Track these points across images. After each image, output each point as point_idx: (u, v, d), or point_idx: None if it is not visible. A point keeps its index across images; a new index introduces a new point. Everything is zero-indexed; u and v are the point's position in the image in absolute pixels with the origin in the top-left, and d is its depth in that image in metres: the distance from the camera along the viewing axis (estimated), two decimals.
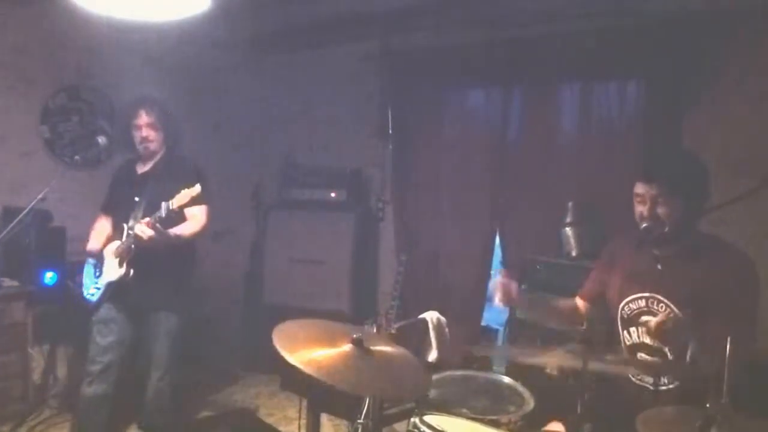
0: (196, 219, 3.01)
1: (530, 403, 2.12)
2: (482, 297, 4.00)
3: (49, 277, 3.58)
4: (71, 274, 3.81)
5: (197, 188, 2.76)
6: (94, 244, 3.19)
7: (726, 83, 3.03)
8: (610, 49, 3.28)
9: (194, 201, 2.80)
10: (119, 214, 3.15)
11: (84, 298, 3.16)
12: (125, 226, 3.05)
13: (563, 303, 2.43)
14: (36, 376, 3.81)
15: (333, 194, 4.39)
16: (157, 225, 2.81)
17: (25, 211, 3.04)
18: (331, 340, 1.77)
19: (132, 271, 2.98)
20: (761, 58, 2.94)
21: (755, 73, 2.96)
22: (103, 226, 3.25)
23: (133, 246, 2.93)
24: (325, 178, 4.44)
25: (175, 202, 2.78)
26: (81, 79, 4.17)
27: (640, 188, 2.07)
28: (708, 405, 1.45)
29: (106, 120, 4.25)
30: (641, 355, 2.12)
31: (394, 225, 4.35)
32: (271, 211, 4.57)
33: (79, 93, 4.16)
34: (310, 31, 4.24)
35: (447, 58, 3.93)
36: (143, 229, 2.81)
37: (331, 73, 4.63)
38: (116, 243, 3.06)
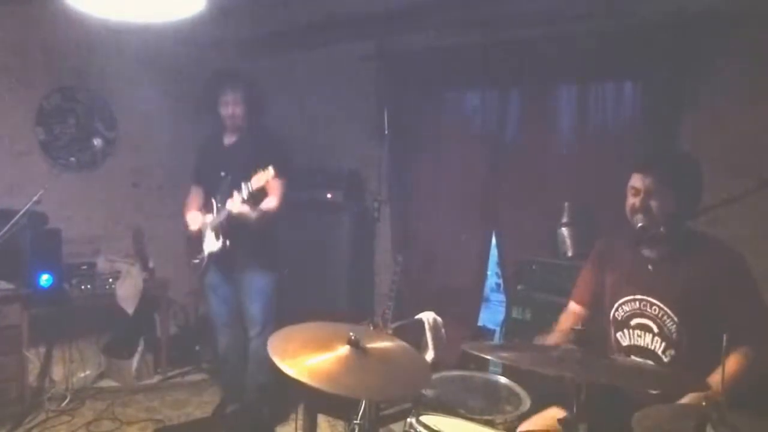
0: (275, 193, 3.23)
1: (527, 403, 2.12)
2: (479, 297, 4.00)
3: (45, 279, 3.58)
4: (67, 276, 3.82)
5: (270, 172, 2.95)
6: (193, 225, 3.40)
7: (723, 85, 3.03)
8: (608, 51, 3.28)
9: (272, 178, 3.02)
10: (207, 186, 3.42)
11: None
12: (213, 201, 3.30)
13: (559, 332, 2.29)
14: (32, 379, 3.80)
15: (329, 195, 4.38)
16: (246, 200, 3.08)
17: (20, 214, 3.03)
18: (326, 344, 1.75)
19: (228, 242, 3.24)
20: (758, 60, 2.94)
21: (752, 74, 2.96)
22: (193, 201, 3.50)
23: (225, 221, 3.19)
24: (322, 179, 4.43)
25: (253, 184, 3.02)
26: (77, 80, 4.16)
27: (635, 180, 2.07)
28: (704, 403, 1.45)
29: (102, 122, 4.24)
30: (634, 358, 2.11)
31: (390, 225, 4.35)
32: None
33: (75, 94, 4.15)
34: (307, 32, 4.24)
35: (444, 58, 3.92)
36: (236, 204, 3.07)
37: (328, 73, 4.62)
38: (211, 217, 3.31)
